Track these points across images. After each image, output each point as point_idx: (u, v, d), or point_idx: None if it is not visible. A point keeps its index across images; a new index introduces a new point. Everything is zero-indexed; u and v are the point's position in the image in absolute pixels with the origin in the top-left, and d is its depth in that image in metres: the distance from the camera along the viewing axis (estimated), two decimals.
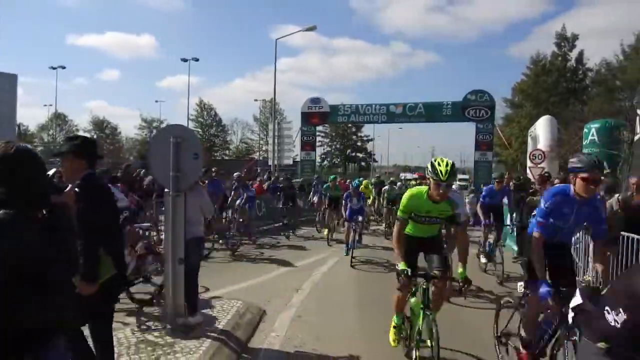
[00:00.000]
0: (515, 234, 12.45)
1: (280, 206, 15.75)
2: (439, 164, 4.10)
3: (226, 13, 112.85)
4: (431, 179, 4.18)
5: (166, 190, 5.31)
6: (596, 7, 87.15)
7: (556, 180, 9.59)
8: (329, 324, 6.06)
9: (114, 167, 18.46)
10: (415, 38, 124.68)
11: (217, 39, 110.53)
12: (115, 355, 4.39)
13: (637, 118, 12.99)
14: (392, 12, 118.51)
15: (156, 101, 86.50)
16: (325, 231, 13.64)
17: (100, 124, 62.69)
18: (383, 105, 27.10)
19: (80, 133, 61.49)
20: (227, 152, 66.23)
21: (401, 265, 4.13)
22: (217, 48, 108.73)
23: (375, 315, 6.17)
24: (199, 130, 63.68)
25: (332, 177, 15.54)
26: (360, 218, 11.60)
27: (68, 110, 74.71)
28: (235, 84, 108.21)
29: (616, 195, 6.93)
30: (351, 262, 10.05)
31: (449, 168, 4.08)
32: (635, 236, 5.91)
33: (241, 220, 12.03)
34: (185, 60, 45.69)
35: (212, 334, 5.16)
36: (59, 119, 59.52)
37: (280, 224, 15.51)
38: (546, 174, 11.35)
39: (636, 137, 12.88)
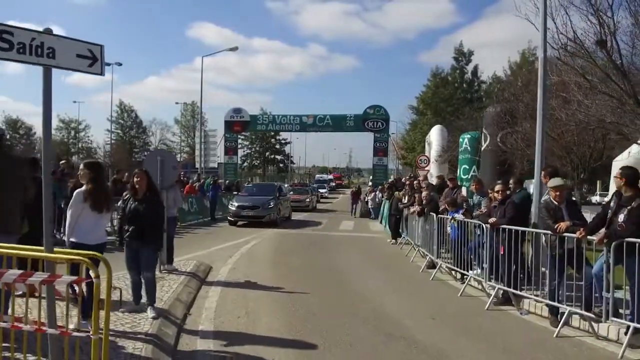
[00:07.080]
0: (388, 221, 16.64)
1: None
2: None
3: (141, 8, 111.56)
4: None
5: None
6: (498, 20, 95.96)
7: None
8: (255, 271, 9.75)
9: None
10: (332, 41, 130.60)
11: (131, 35, 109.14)
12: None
13: (482, 135, 17.05)
14: (308, 15, 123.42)
15: (74, 102, 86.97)
16: None
17: (13, 124, 61.43)
18: (296, 116, 30.97)
19: None
20: (146, 153, 67.04)
21: None
22: (131, 44, 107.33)
23: (287, 268, 9.96)
24: (119, 132, 64.52)
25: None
26: None
27: None
28: (150, 81, 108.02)
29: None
30: None
31: None
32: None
33: None
34: (108, 64, 46.86)
35: (184, 275, 8.64)
36: None
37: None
38: (417, 184, 14.84)
39: (482, 148, 16.88)
